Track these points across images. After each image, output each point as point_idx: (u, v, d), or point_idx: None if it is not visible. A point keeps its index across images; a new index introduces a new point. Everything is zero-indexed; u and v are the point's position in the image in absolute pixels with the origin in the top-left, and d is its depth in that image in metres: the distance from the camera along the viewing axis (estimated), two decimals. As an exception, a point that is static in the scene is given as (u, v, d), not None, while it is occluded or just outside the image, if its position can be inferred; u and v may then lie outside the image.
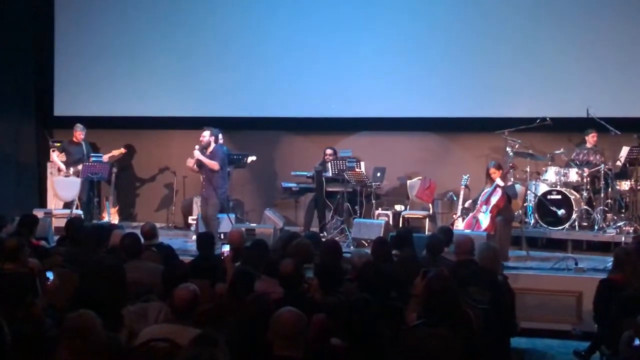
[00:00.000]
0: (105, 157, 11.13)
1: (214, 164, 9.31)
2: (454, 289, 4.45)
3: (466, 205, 9.20)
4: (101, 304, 4.09)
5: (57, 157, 10.92)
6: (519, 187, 9.54)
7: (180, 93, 11.97)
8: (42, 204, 11.56)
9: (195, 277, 5.02)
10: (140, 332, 4.18)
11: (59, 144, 11.26)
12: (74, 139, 10.96)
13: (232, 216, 10.30)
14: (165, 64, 12.00)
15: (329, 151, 10.78)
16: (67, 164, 10.80)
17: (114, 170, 11.54)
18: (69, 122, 11.28)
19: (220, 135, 10.66)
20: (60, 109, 12.39)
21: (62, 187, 10.71)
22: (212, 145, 9.47)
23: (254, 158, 10.84)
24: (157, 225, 7.59)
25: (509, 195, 8.91)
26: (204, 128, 9.57)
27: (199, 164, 9.48)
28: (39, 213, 9.40)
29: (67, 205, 10.66)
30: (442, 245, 6.63)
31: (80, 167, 10.67)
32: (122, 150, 11.62)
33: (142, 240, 6.60)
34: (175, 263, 5.76)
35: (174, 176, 11.49)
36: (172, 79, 11.99)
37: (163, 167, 12.11)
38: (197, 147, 9.47)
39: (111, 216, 11.14)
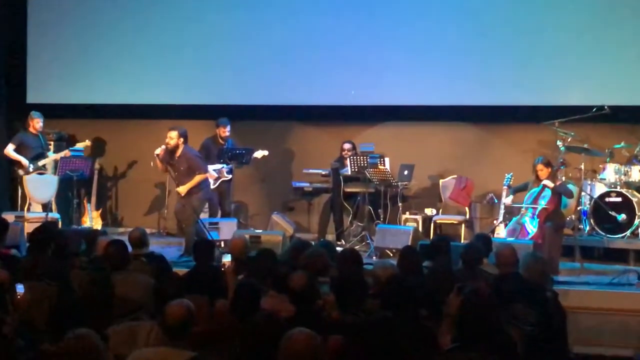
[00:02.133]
0: (63, 153, 10.98)
1: (201, 176, 9.46)
2: (494, 307, 4.45)
3: (504, 201, 9.18)
4: (82, 323, 4.12)
5: (13, 151, 10.78)
6: (572, 187, 9.50)
7: (173, 77, 11.98)
8: (13, 206, 11.61)
9: (191, 292, 5.04)
10: (127, 356, 4.21)
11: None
12: (32, 130, 10.93)
13: (235, 220, 10.32)
14: (154, 43, 12.01)
15: (347, 145, 10.78)
16: (26, 159, 10.78)
17: (97, 167, 11.57)
18: (43, 111, 11.31)
19: (228, 127, 10.72)
20: (34, 96, 12.42)
21: (36, 186, 10.74)
22: (181, 147, 9.44)
23: (265, 153, 10.84)
24: (147, 231, 7.61)
25: (561, 195, 8.87)
26: (171, 128, 9.51)
27: (166, 160, 9.52)
28: (9, 217, 9.44)
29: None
30: (481, 256, 6.62)
31: (41, 163, 10.70)
32: (87, 142, 11.58)
33: (130, 249, 6.63)
34: (168, 276, 5.79)
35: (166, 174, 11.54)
36: (162, 61, 12.00)
37: (153, 163, 12.12)
38: (160, 148, 9.45)
39: (93, 220, 11.19)
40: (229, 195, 10.74)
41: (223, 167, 10.55)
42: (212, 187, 10.38)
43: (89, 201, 11.43)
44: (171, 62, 11.98)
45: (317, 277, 5.48)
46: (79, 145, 11.37)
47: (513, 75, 10.89)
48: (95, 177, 11.55)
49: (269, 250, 6.57)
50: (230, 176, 10.62)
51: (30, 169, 10.69)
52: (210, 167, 10.38)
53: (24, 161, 10.72)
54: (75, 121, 12.13)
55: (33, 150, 10.85)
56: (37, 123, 10.92)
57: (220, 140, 10.81)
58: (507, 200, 9.20)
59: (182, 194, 9.45)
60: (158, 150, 9.47)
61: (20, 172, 10.77)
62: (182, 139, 9.42)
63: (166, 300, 4.48)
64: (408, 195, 11.08)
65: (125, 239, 6.91)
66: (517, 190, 9.23)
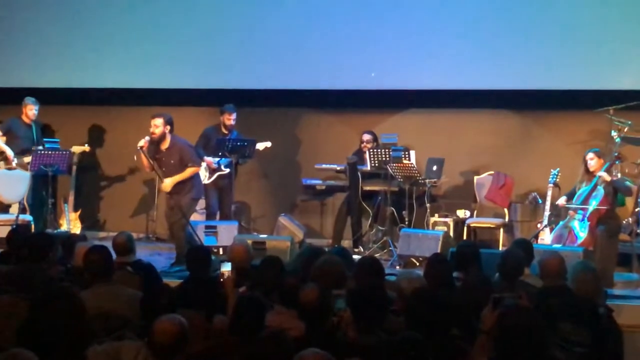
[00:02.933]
0: None
1: (193, 170, 9.41)
2: (537, 324, 4.43)
3: (558, 202, 9.13)
4: (58, 342, 4.12)
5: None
6: (629, 185, 9.46)
7: (165, 58, 12.01)
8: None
9: (184, 306, 5.05)
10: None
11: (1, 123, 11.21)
12: (24, 118, 10.99)
13: (235, 223, 10.33)
14: (144, 18, 12.03)
15: (366, 136, 10.80)
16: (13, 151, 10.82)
17: (75, 161, 11.58)
18: (13, 96, 11.36)
19: (234, 115, 10.70)
20: (1, 79, 12.46)
21: (5, 183, 10.76)
22: (168, 137, 9.39)
23: (268, 144, 10.87)
24: (134, 236, 7.63)
25: (617, 193, 8.82)
26: (155, 115, 9.42)
27: (151, 153, 9.39)
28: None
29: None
30: (521, 265, 6.60)
31: (27, 159, 10.67)
32: (86, 147, 11.60)
33: (114, 256, 6.64)
34: (158, 287, 5.79)
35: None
36: (155, 39, 12.02)
37: (137, 157, 12.09)
38: (144, 140, 9.34)
39: (71, 223, 11.21)
40: (230, 194, 10.72)
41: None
42: (207, 181, 10.39)
43: (66, 201, 11.46)
44: (163, 41, 11.98)
45: (331, 290, 5.47)
46: (77, 149, 11.38)
47: (560, 56, 10.82)
48: (74, 173, 11.55)
49: (275, 258, 6.55)
50: (228, 170, 10.57)
51: (14, 164, 10.69)
52: (210, 159, 10.42)
53: (9, 152, 10.73)
54: (48, 108, 12.08)
55: (21, 141, 10.88)
56: (30, 110, 10.96)
57: (224, 130, 10.78)
58: (561, 200, 9.14)
59: (167, 190, 9.39)
60: (142, 142, 9.30)
61: (1, 164, 10.76)
62: (168, 127, 9.35)
63: (155, 316, 4.48)
64: (437, 194, 11.09)
65: (108, 245, 6.92)
66: (571, 195, 9.12)
